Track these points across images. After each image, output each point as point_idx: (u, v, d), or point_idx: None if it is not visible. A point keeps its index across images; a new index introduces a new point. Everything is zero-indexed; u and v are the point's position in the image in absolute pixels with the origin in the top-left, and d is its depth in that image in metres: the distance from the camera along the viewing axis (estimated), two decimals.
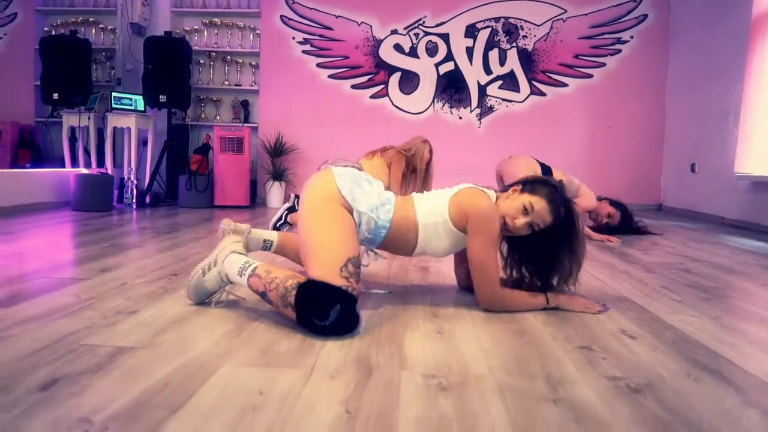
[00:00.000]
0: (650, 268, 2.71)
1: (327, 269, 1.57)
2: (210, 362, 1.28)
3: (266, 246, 2.16)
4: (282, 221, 3.43)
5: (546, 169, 3.75)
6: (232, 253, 1.74)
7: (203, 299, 1.78)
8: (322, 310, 1.46)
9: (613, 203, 3.87)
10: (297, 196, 3.41)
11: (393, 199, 1.87)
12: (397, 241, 1.87)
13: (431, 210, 1.85)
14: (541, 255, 1.91)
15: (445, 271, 2.25)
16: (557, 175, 3.74)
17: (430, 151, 3.86)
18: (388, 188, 3.82)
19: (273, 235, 2.19)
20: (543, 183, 1.87)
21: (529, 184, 1.87)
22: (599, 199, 3.86)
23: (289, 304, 1.50)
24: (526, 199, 1.81)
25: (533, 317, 1.76)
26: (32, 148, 5.40)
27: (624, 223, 3.83)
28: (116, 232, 3.57)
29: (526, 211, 1.79)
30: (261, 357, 1.33)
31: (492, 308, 1.81)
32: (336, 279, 1.55)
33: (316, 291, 1.50)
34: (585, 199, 3.80)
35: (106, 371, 1.21)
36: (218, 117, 6.38)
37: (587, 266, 2.69)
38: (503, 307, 1.81)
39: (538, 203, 1.79)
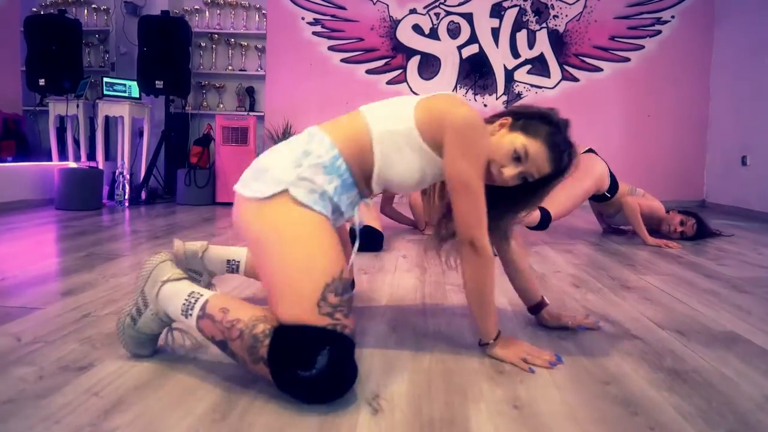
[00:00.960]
0: (738, 286, 2.22)
1: (299, 310, 1.09)
2: None
3: (232, 267, 1.66)
4: None
5: (611, 180, 3.40)
6: (164, 284, 1.24)
7: (154, 346, 1.30)
8: (306, 357, 1.02)
9: (683, 212, 3.48)
10: None
11: (316, 129, 1.32)
12: (359, 168, 1.31)
13: (389, 114, 1.32)
14: (503, 202, 1.41)
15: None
16: (624, 187, 3.44)
17: None
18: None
19: (240, 253, 1.68)
20: (542, 118, 1.34)
21: (523, 119, 1.34)
22: (667, 210, 3.48)
23: (261, 358, 1.05)
24: (519, 140, 1.30)
25: (634, 372, 1.28)
26: (17, 140, 4.94)
27: (700, 231, 3.41)
28: (100, 236, 3.11)
29: (518, 157, 1.29)
30: None
31: (467, 269, 1.30)
32: (314, 320, 1.08)
33: (295, 333, 1.07)
34: (655, 202, 3.47)
35: None
36: (221, 105, 5.94)
37: (661, 284, 2.21)
38: (480, 280, 1.30)
39: (534, 147, 1.29)
